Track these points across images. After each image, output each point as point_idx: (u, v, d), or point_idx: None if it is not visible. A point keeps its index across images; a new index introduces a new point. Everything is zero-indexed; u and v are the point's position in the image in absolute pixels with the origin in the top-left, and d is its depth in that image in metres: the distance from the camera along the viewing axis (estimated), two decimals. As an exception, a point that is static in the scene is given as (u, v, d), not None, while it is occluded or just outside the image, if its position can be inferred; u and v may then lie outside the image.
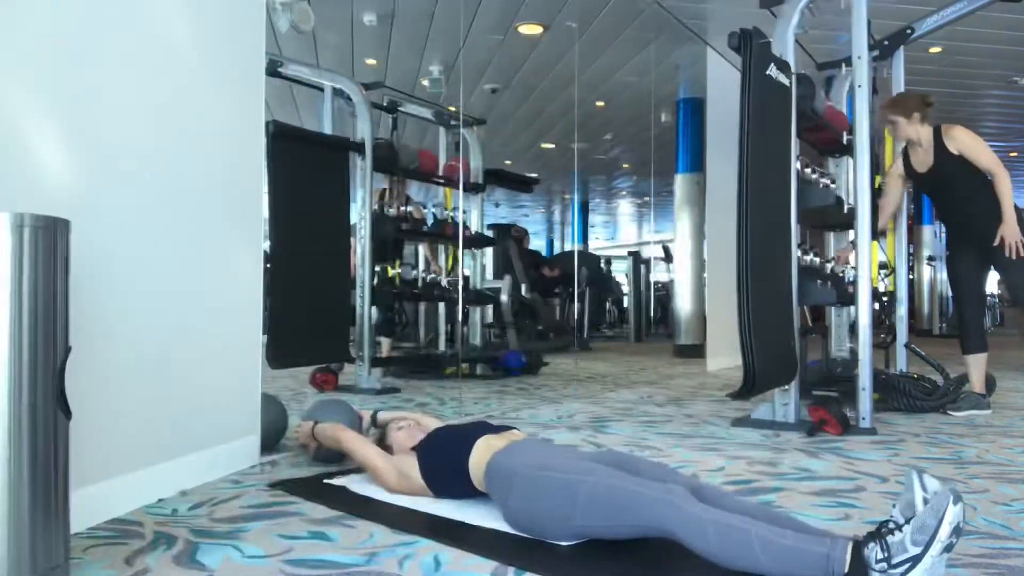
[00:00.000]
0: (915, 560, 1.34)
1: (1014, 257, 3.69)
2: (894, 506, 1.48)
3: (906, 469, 1.39)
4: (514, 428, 2.11)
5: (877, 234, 4.18)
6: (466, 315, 5.67)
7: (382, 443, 2.33)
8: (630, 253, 11.93)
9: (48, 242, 1.39)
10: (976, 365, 3.88)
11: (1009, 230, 3.68)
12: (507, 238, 9.32)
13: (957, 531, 1.34)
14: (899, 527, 1.38)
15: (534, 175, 11.07)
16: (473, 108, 7.59)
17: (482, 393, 4.71)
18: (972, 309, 3.93)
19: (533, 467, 1.78)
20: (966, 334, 3.89)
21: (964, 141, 3.74)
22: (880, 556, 1.36)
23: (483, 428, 2.09)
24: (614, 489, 1.62)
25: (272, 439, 2.77)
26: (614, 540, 1.68)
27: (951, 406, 3.79)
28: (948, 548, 1.34)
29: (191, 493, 2.17)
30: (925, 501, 1.40)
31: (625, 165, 11.75)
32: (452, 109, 5.88)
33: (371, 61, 6.87)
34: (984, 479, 2.39)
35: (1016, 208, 3.72)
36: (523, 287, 8.91)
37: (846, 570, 1.37)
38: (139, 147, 2.08)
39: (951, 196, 3.87)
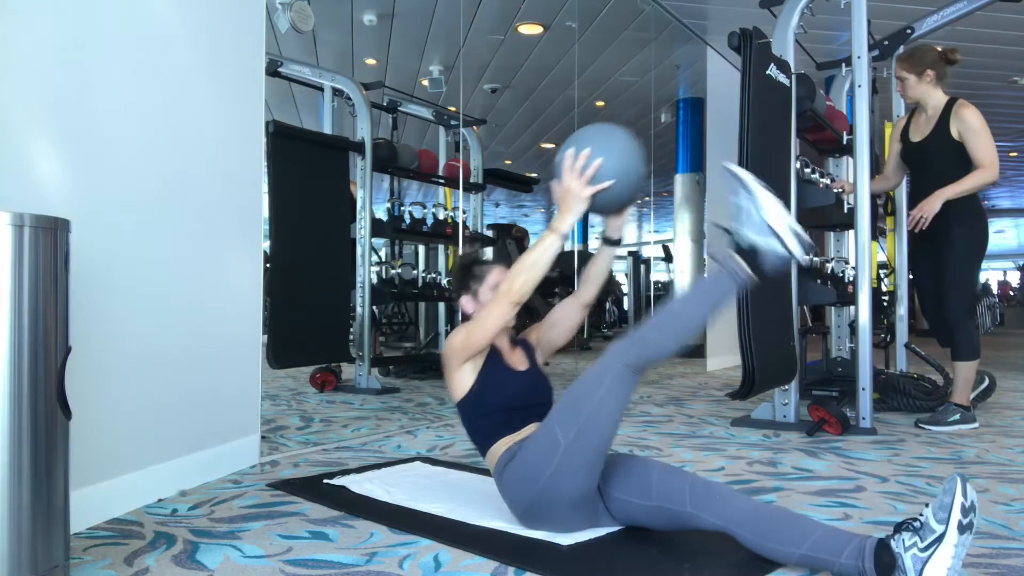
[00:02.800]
0: (939, 539, 1.38)
1: (907, 227, 3.38)
2: (927, 505, 1.47)
3: (951, 475, 1.46)
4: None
5: (877, 234, 4.19)
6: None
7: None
8: (630, 253, 11.92)
9: (48, 242, 1.39)
10: (964, 373, 3.42)
11: (929, 205, 3.29)
12: (507, 237, 9.31)
13: (970, 510, 1.39)
14: (919, 515, 1.44)
15: (534, 175, 11.08)
16: (473, 108, 7.58)
17: (482, 393, 4.70)
18: (953, 308, 3.41)
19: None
20: (954, 338, 3.43)
21: (970, 125, 3.35)
22: (909, 542, 1.41)
23: (536, 406, 1.90)
24: (591, 440, 1.68)
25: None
26: (614, 538, 1.68)
27: (927, 420, 3.39)
28: (964, 528, 1.38)
29: (191, 493, 2.17)
30: (963, 509, 1.40)
31: (625, 165, 11.74)
32: (452, 109, 5.88)
33: (371, 61, 6.87)
34: (984, 479, 2.39)
35: (981, 207, 3.42)
36: None
37: (751, 274, 1.53)
38: (139, 147, 2.08)
39: (930, 180, 3.42)
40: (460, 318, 2.00)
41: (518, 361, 1.98)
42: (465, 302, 1.98)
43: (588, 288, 2.06)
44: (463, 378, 1.87)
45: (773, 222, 1.67)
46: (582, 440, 1.66)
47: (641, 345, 1.70)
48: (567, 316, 2.08)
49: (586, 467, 1.68)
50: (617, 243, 2.01)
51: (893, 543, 1.42)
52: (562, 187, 1.76)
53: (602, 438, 1.68)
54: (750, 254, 1.71)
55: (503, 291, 1.79)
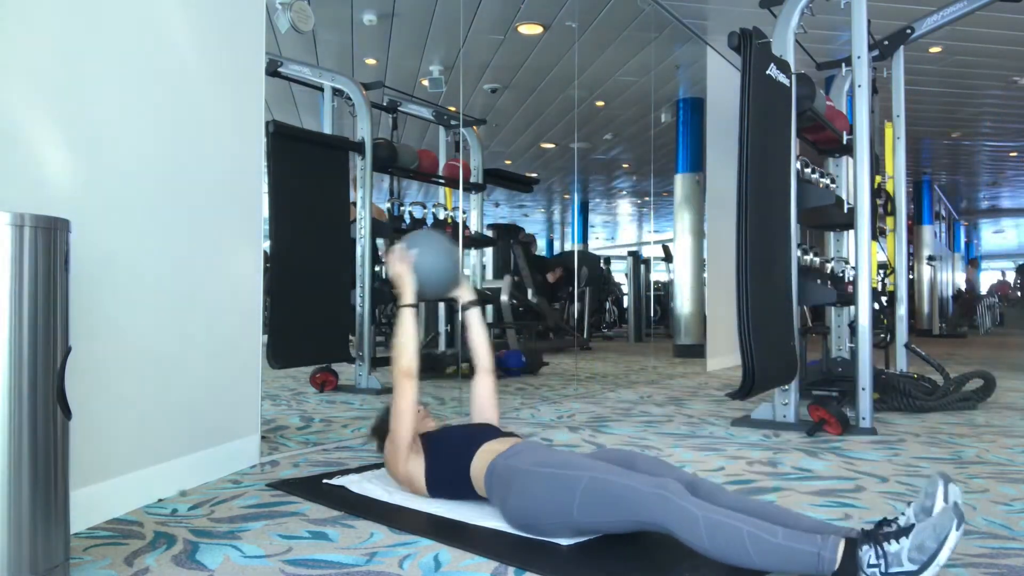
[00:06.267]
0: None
1: None
2: (909, 504, 1.47)
3: (933, 474, 1.42)
4: (515, 435, 2.10)
5: (877, 234, 4.19)
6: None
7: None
8: (630, 253, 11.92)
9: (48, 242, 1.39)
10: None
11: None
12: (515, 242, 9.32)
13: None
14: (897, 536, 1.38)
15: (534, 175, 11.07)
16: (473, 108, 7.58)
17: (482, 393, 4.70)
18: None
19: (532, 464, 1.79)
20: None
21: None
22: (874, 561, 1.37)
23: (488, 432, 2.08)
24: (610, 484, 1.63)
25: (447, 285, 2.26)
26: (614, 537, 1.69)
27: None
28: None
29: (191, 493, 2.17)
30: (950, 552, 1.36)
31: (625, 165, 11.75)
32: (452, 109, 5.88)
33: (371, 61, 6.86)
34: (984, 479, 2.39)
35: None
36: (529, 291, 8.93)
37: (836, 568, 1.38)
38: (139, 147, 2.08)
39: None
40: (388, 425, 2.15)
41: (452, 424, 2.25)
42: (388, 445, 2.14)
43: (478, 356, 2.32)
44: (414, 469, 2.04)
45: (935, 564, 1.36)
46: (586, 518, 1.67)
47: (688, 524, 1.50)
48: (479, 389, 2.31)
49: (584, 532, 1.73)
50: (474, 304, 2.31)
51: (860, 553, 1.38)
52: (392, 273, 2.16)
53: (598, 530, 1.70)
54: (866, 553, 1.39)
55: (394, 372, 2.07)
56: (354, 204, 4.67)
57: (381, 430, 2.23)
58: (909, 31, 4.17)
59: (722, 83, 6.54)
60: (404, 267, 2.13)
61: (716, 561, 1.50)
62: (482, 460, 1.94)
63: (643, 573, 1.58)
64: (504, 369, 5.75)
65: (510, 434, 2.10)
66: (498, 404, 2.32)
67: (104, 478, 1.91)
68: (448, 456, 2.04)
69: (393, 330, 2.13)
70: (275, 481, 2.32)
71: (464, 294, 2.31)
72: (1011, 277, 18.62)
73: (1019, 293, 15.56)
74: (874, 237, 3.90)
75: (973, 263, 20.22)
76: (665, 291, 12.26)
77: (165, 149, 2.17)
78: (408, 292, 2.11)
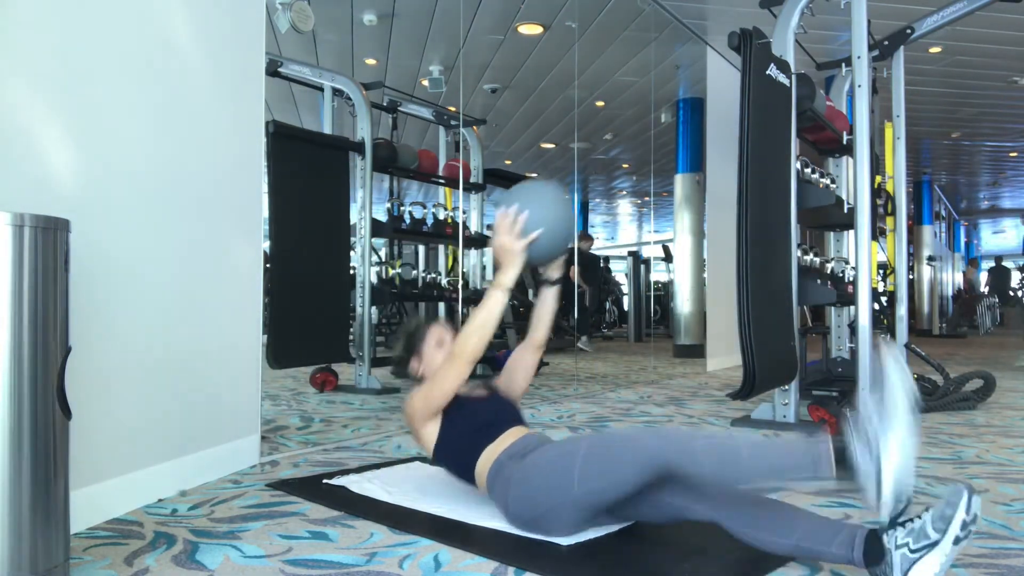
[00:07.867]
0: (932, 546, 1.38)
1: None
2: (927, 509, 1.46)
3: (958, 484, 1.43)
4: (527, 427, 2.06)
5: (877, 234, 4.19)
6: (466, 315, 5.67)
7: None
8: (630, 253, 11.92)
9: (48, 242, 1.39)
10: None
11: None
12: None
13: (970, 523, 1.38)
14: (915, 519, 1.42)
15: (534, 175, 11.07)
16: (473, 108, 7.58)
17: (482, 393, 4.70)
18: None
19: (533, 451, 1.80)
20: None
21: None
22: (902, 540, 1.40)
23: (508, 419, 1.97)
24: (609, 441, 1.69)
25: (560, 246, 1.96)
26: (614, 537, 1.69)
27: None
28: (960, 540, 1.38)
29: (191, 493, 2.17)
30: (963, 524, 1.38)
31: (625, 165, 11.74)
32: (452, 109, 5.88)
33: (371, 61, 6.86)
34: (984, 479, 2.39)
35: None
36: (530, 291, 8.91)
37: (834, 474, 1.44)
38: (139, 147, 2.08)
39: None
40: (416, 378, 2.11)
41: (477, 392, 2.06)
42: (414, 364, 2.11)
43: (540, 329, 2.12)
44: (429, 431, 1.96)
45: (887, 462, 1.40)
46: (589, 487, 1.67)
47: (689, 458, 1.55)
48: (521, 361, 2.16)
49: (587, 510, 1.71)
50: (556, 283, 2.05)
51: (885, 537, 1.42)
52: (497, 244, 1.85)
53: (602, 499, 1.68)
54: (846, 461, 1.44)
55: (458, 352, 1.86)
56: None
57: (409, 346, 2.11)
58: (909, 31, 4.16)
59: (722, 83, 6.54)
60: (517, 242, 1.81)
61: (715, 484, 1.57)
62: (489, 457, 1.88)
63: (643, 573, 1.58)
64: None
65: (522, 423, 2.02)
66: (530, 380, 2.20)
67: (104, 478, 1.91)
68: (464, 435, 1.94)
69: (480, 308, 1.85)
70: (275, 481, 2.32)
71: (556, 270, 2.04)
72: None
73: (985, 293, 15.50)
74: (874, 237, 3.90)
75: (973, 263, 20.22)
76: (665, 291, 12.26)
77: (165, 149, 2.17)
78: (511, 273, 1.82)
